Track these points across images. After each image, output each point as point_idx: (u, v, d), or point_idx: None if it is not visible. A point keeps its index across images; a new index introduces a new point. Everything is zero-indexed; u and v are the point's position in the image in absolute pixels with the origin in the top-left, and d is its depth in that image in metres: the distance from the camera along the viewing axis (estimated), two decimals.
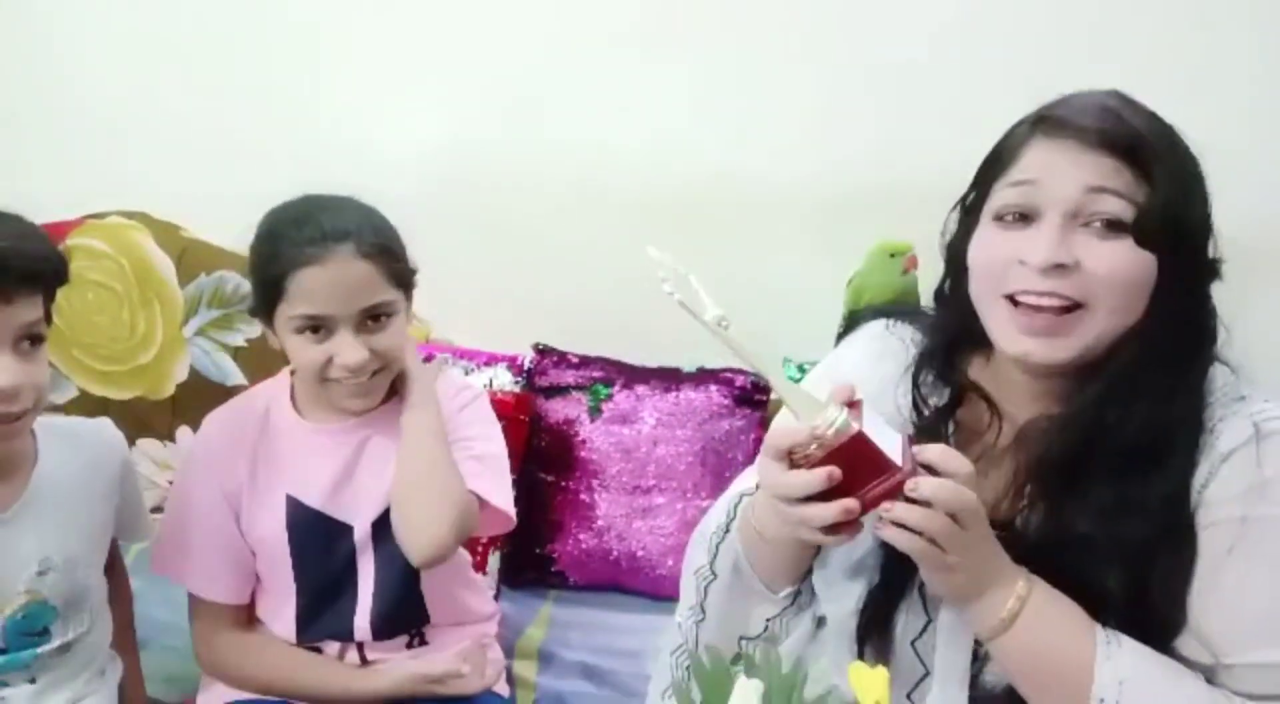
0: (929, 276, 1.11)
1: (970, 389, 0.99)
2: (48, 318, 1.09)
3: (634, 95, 1.76)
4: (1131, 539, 0.89)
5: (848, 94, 1.71)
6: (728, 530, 1.01)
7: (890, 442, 0.85)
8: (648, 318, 1.72)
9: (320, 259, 1.16)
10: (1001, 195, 0.93)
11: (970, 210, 0.99)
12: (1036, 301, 0.89)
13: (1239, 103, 1.57)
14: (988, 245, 0.94)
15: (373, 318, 1.20)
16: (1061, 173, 0.89)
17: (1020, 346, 0.91)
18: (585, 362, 1.72)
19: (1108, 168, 0.88)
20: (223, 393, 1.70)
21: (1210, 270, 0.93)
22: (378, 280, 1.19)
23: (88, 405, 1.78)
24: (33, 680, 1.15)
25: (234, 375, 1.77)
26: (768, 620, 1.00)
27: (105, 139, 1.85)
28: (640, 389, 1.68)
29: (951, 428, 0.99)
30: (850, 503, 0.82)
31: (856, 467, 0.82)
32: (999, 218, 0.93)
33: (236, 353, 1.77)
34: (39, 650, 1.13)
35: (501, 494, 1.29)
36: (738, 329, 0.83)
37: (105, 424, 1.29)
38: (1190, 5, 1.61)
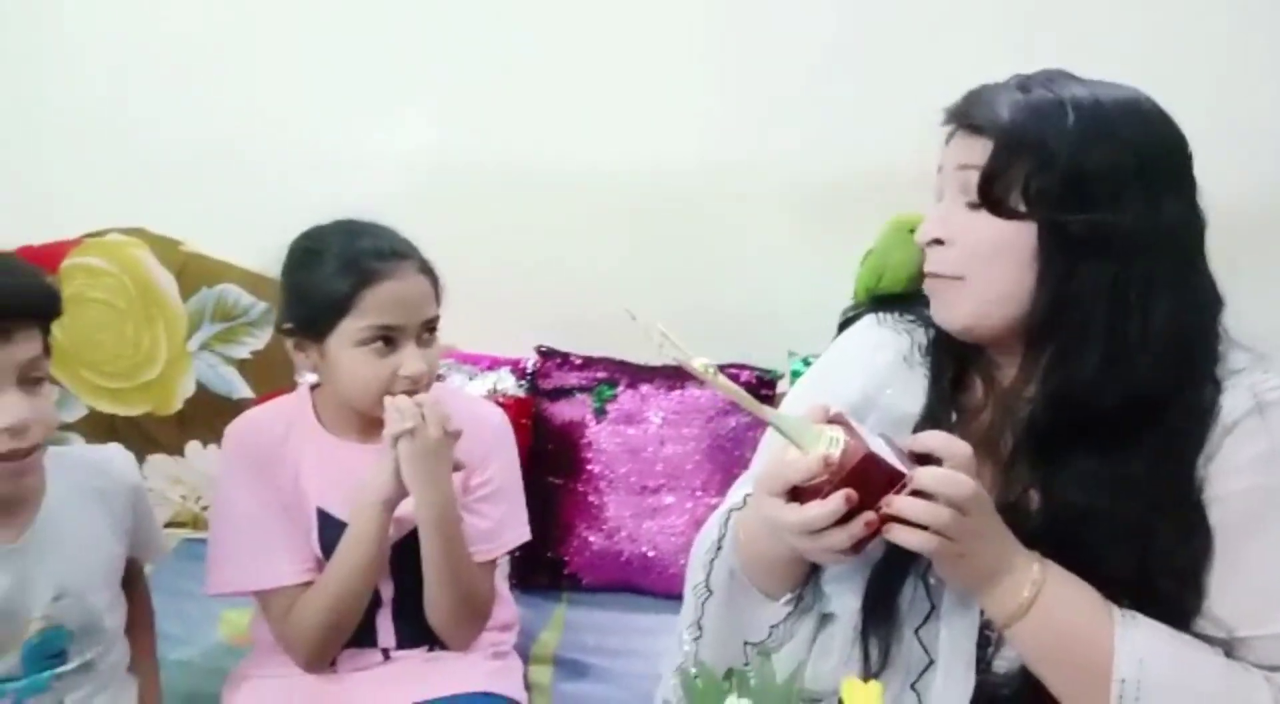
0: None
1: (971, 365, 1.01)
2: (46, 352, 1.10)
3: (626, 92, 1.75)
4: (1128, 516, 0.88)
5: (840, 79, 1.70)
6: (720, 547, 1.01)
7: (882, 448, 0.84)
8: (649, 315, 1.74)
9: (392, 274, 1.23)
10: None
11: None
12: (929, 275, 0.96)
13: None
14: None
15: (428, 331, 1.28)
16: (949, 157, 0.95)
17: (933, 313, 0.97)
18: (589, 362, 1.71)
19: (977, 147, 0.91)
20: (229, 406, 1.73)
21: (1096, 245, 0.89)
22: (431, 295, 1.28)
23: (96, 423, 1.80)
24: (60, 702, 1.16)
25: (240, 388, 1.78)
26: (771, 626, 0.99)
27: (99, 156, 1.85)
28: (645, 388, 1.68)
29: (954, 416, 0.99)
30: (870, 515, 0.82)
31: (869, 483, 0.82)
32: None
33: (242, 365, 1.78)
34: (57, 671, 1.14)
35: (518, 529, 1.39)
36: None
37: (115, 451, 1.30)
38: None
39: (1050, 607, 0.86)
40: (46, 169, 1.86)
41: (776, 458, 0.87)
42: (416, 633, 1.33)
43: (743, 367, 1.66)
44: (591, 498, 1.66)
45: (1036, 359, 0.93)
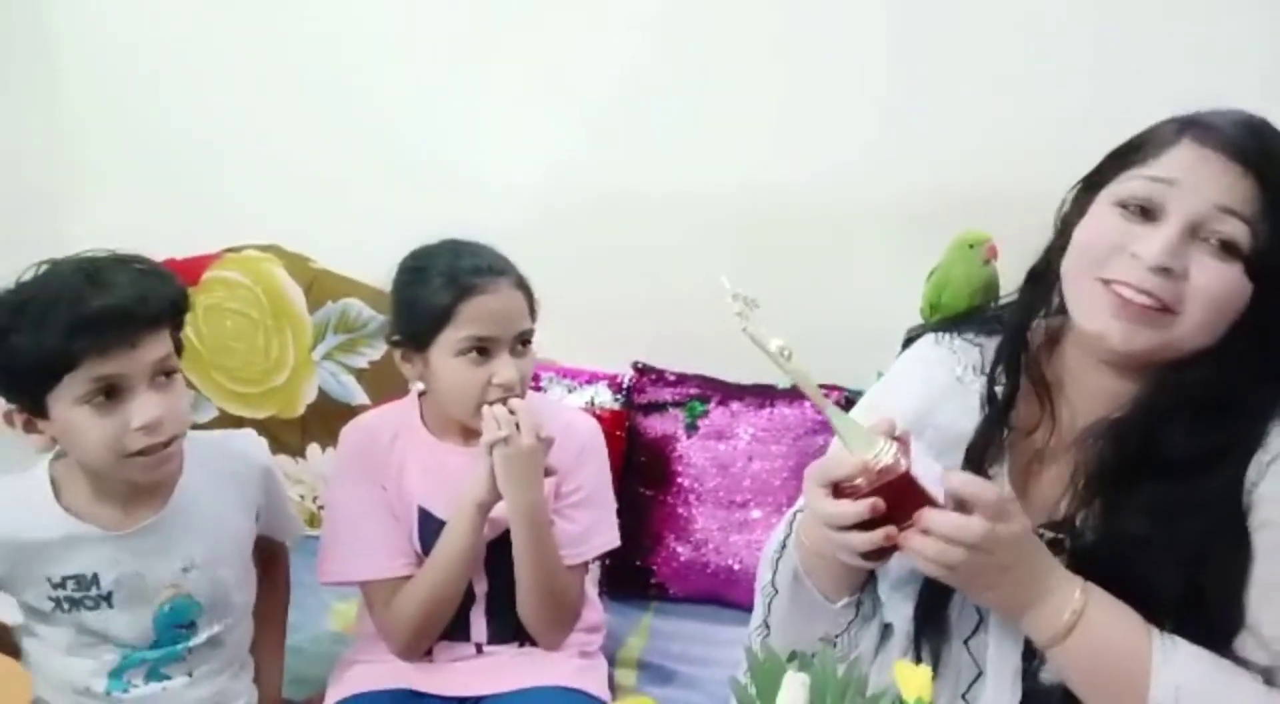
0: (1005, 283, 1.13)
1: (1034, 381, 1.01)
2: (178, 348, 1.19)
3: (725, 116, 1.80)
4: (1187, 538, 0.89)
5: (936, 103, 1.72)
6: (785, 546, 1.05)
7: (931, 475, 0.87)
8: (742, 336, 1.78)
9: (488, 288, 1.31)
10: (1131, 185, 0.93)
11: (1091, 189, 0.99)
12: (1132, 296, 0.89)
13: None
14: (1099, 226, 0.94)
15: (521, 343, 1.34)
16: (1200, 183, 0.89)
17: (1102, 325, 0.92)
18: (682, 379, 1.76)
19: (1243, 191, 0.89)
20: (348, 412, 1.79)
21: None
22: (525, 309, 1.35)
23: (226, 425, 1.90)
24: (190, 674, 1.26)
25: (358, 395, 1.88)
26: (835, 636, 1.02)
27: (239, 178, 1.99)
28: (735, 406, 1.72)
29: (1005, 432, 1.00)
30: (891, 530, 0.86)
31: (900, 501, 0.85)
32: (1122, 205, 0.93)
33: (360, 374, 1.88)
34: (190, 644, 1.25)
35: (607, 535, 1.44)
36: (799, 359, 0.88)
37: (247, 435, 1.40)
38: None
39: (1090, 632, 0.87)
40: (191, 189, 2.00)
41: (835, 451, 0.91)
42: (508, 630, 1.40)
43: (832, 387, 1.67)
44: (681, 510, 1.70)
45: (1146, 392, 0.94)
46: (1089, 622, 0.87)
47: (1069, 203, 1.02)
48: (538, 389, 1.74)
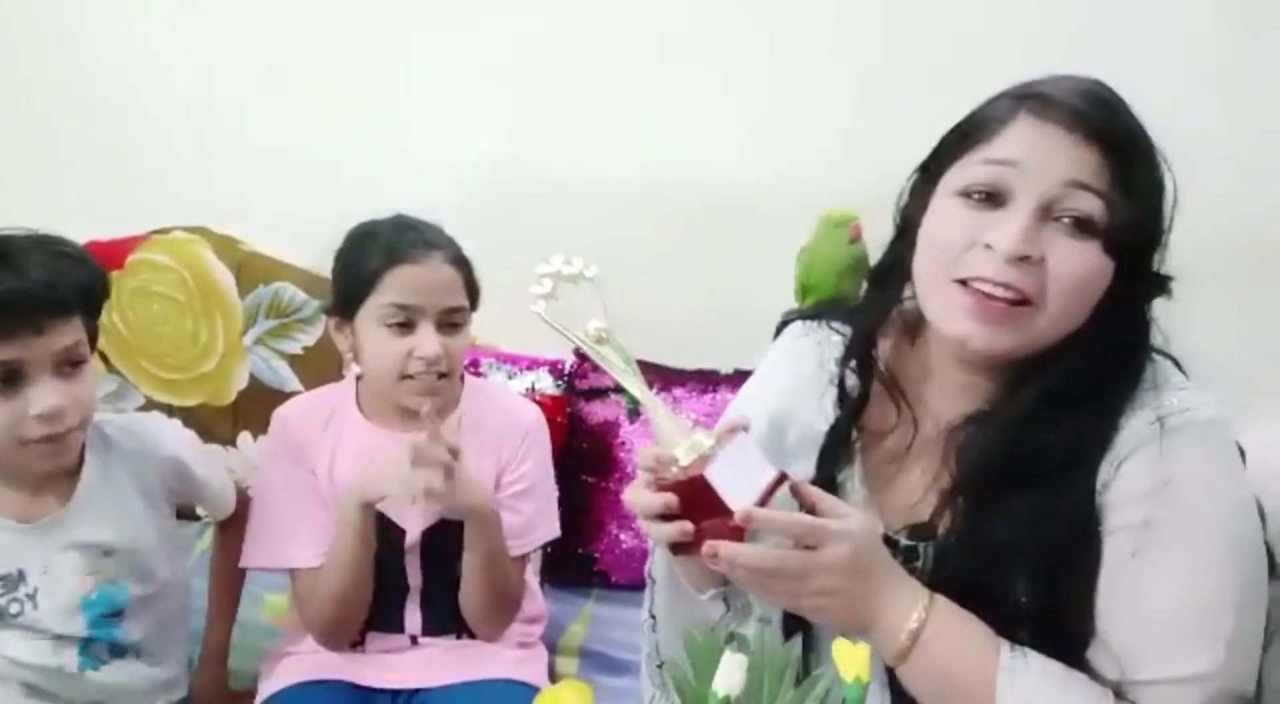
0: None
1: (886, 384, 0.97)
2: (92, 336, 1.15)
3: (677, 106, 1.79)
4: (1046, 545, 0.86)
5: (882, 94, 1.72)
6: None
7: (750, 481, 0.86)
8: (686, 321, 1.78)
9: (418, 258, 1.29)
10: (972, 171, 0.87)
11: (930, 177, 0.92)
12: (991, 290, 0.84)
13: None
14: (947, 222, 0.88)
15: (449, 323, 1.31)
16: (1045, 160, 0.84)
17: (962, 328, 0.86)
18: None
19: (1091, 163, 0.84)
20: (280, 398, 1.73)
21: (1159, 285, 0.89)
22: (459, 286, 1.32)
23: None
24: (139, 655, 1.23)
25: (291, 382, 1.84)
26: (713, 628, 0.97)
27: (168, 156, 1.92)
28: (678, 391, 1.71)
29: (856, 434, 0.97)
30: (685, 525, 0.84)
31: (699, 501, 0.85)
32: (965, 194, 0.87)
33: (293, 360, 1.84)
34: (128, 637, 1.21)
35: (550, 525, 1.42)
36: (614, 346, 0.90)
37: (151, 420, 1.36)
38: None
39: (931, 651, 0.84)
40: (119, 169, 1.93)
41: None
42: (444, 622, 1.37)
43: None
44: (623, 497, 1.68)
45: (1011, 387, 0.90)
46: (928, 640, 0.84)
47: (907, 194, 0.96)
48: (478, 375, 1.71)
